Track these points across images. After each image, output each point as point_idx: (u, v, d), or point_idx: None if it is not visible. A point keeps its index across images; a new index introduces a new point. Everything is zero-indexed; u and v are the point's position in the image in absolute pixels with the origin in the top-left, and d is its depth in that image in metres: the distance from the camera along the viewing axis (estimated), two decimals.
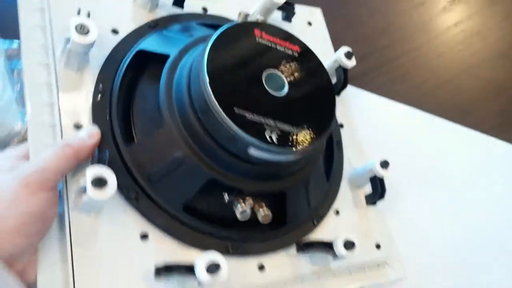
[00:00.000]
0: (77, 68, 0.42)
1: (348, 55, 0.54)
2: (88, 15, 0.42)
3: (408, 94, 0.68)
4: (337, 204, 0.51)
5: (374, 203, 0.51)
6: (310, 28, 0.62)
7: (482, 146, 0.68)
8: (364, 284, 0.51)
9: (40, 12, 0.44)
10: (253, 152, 0.37)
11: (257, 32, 0.42)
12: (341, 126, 0.56)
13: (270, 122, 0.38)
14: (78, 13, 0.41)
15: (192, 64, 0.40)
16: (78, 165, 0.38)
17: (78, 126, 0.40)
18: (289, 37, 0.44)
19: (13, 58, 0.61)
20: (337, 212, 0.50)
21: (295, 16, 0.58)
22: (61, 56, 0.42)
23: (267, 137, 0.37)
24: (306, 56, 0.44)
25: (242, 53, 0.40)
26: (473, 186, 0.65)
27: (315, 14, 0.64)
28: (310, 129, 0.39)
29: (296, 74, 0.42)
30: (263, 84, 0.39)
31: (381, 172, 0.49)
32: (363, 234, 0.51)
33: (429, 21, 0.73)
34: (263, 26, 0.43)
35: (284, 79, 0.41)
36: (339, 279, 0.49)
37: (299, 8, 0.61)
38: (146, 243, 0.39)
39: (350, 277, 0.49)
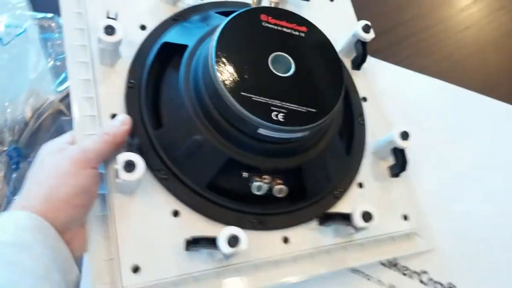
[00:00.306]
0: (110, 64, 0.47)
1: (366, 28, 0.54)
2: (116, 16, 0.46)
3: (434, 66, 0.67)
4: (360, 177, 0.52)
5: (396, 175, 0.52)
6: (332, 4, 0.62)
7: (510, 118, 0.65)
8: (393, 256, 0.52)
9: (78, 15, 0.50)
10: (262, 131, 0.40)
11: (263, 17, 0.44)
12: (364, 99, 0.57)
13: (277, 102, 0.40)
14: (107, 15, 0.46)
15: (205, 53, 0.43)
16: (115, 152, 0.43)
17: (113, 116, 0.46)
18: (296, 19, 0.45)
19: (46, 30, 0.66)
20: (361, 185, 0.52)
21: None
22: (97, 54, 0.47)
23: (273, 117, 0.39)
24: (313, 36, 0.45)
25: (248, 38, 0.43)
26: (500, 157, 0.64)
27: None
28: (316, 107, 0.41)
29: (303, 54, 0.43)
30: (269, 67, 0.42)
31: (401, 143, 0.49)
32: (388, 205, 0.52)
33: None
34: (270, 10, 0.45)
35: (291, 60, 0.43)
36: (367, 250, 0.50)
37: None
38: (177, 219, 0.43)
39: (378, 249, 0.51)
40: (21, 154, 0.60)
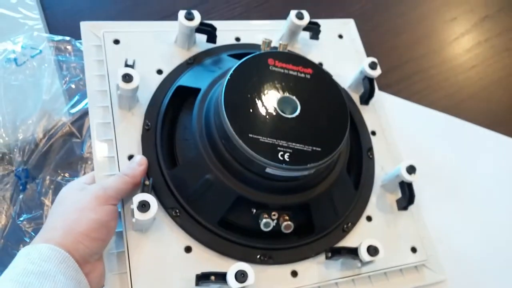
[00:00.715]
0: (129, 108, 0.51)
1: (373, 65, 0.56)
2: (134, 64, 0.50)
3: (443, 102, 0.69)
4: (369, 210, 0.53)
5: (405, 208, 0.53)
6: (341, 41, 0.65)
7: None
8: None
9: (99, 63, 0.54)
10: (270, 170, 0.42)
11: (270, 61, 0.47)
12: (373, 133, 0.58)
13: (283, 143, 0.42)
14: (125, 63, 0.50)
15: (216, 96, 0.46)
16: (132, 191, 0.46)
17: (130, 157, 0.49)
18: (302, 62, 0.48)
19: (62, 52, 0.68)
20: (369, 218, 0.53)
21: (324, 31, 0.61)
22: (116, 99, 0.51)
23: (280, 156, 0.42)
24: (319, 77, 0.48)
25: (256, 82, 0.45)
26: (505, 190, 0.64)
27: (348, 26, 0.67)
28: (321, 146, 0.43)
29: (308, 96, 0.46)
30: (276, 108, 0.44)
31: (408, 177, 0.51)
32: (396, 238, 0.53)
33: (462, 35, 0.77)
34: (276, 54, 0.47)
35: (297, 101, 0.45)
36: (375, 283, 0.51)
37: (329, 23, 0.65)
38: (190, 255, 0.46)
39: (387, 282, 0.52)
40: (29, 175, 0.61)
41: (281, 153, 0.42)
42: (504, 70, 0.74)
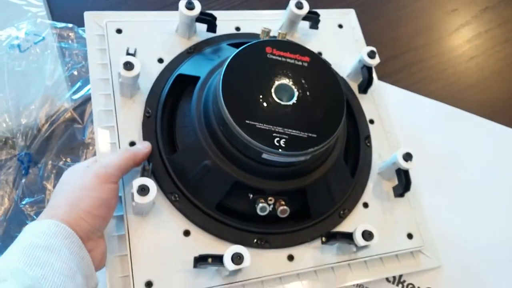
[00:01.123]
0: (130, 96, 0.52)
1: (371, 54, 0.57)
2: (135, 52, 0.51)
3: (441, 92, 0.70)
4: (366, 197, 0.54)
5: (401, 195, 0.54)
6: (341, 31, 0.65)
7: None
8: (397, 273, 0.53)
9: (101, 51, 0.55)
10: (266, 156, 0.43)
11: (268, 49, 0.47)
12: (372, 122, 0.59)
13: (279, 129, 0.43)
14: (127, 51, 0.51)
15: (214, 84, 0.47)
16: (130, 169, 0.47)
17: (132, 143, 0.50)
18: (299, 50, 0.49)
19: (65, 39, 0.68)
20: (366, 205, 0.54)
21: (324, 21, 0.62)
22: (118, 86, 0.52)
23: (275, 142, 0.43)
24: (317, 65, 0.48)
25: (254, 69, 0.46)
26: (502, 178, 0.65)
27: (348, 15, 0.67)
28: (317, 133, 0.44)
29: (305, 83, 0.47)
30: (273, 95, 0.45)
31: (404, 164, 0.51)
32: (392, 224, 0.54)
33: (462, 26, 0.77)
34: (274, 43, 0.48)
35: (294, 88, 0.46)
36: (371, 268, 0.52)
37: (329, 13, 0.65)
38: (188, 238, 0.47)
39: (382, 267, 0.53)
40: (32, 160, 0.62)
41: (277, 139, 0.43)
42: (504, 60, 0.74)
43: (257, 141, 0.42)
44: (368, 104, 0.60)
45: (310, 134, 0.44)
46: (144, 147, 0.48)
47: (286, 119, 0.44)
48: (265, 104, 0.45)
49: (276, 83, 0.46)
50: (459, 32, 0.75)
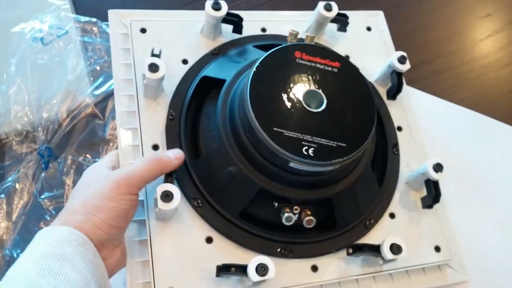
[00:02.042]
0: (154, 97, 0.51)
1: (402, 60, 0.55)
2: (160, 53, 0.50)
3: (472, 100, 0.68)
4: (393, 207, 0.53)
5: (430, 206, 0.52)
6: (369, 34, 0.64)
7: None
8: (423, 287, 0.52)
9: (125, 51, 0.54)
10: (293, 165, 0.42)
11: (297, 54, 0.46)
12: (400, 129, 0.58)
13: (307, 137, 0.42)
14: (152, 52, 0.50)
15: (241, 88, 0.46)
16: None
17: (155, 147, 0.49)
18: (330, 55, 0.47)
19: (89, 34, 0.68)
20: (393, 215, 0.52)
21: (352, 23, 0.60)
22: (141, 87, 0.51)
23: (304, 151, 0.41)
24: (346, 71, 0.47)
25: (283, 74, 0.45)
26: None
27: (376, 18, 0.65)
28: (346, 142, 0.43)
29: (335, 90, 0.45)
30: (302, 102, 0.44)
31: (434, 175, 0.50)
32: (419, 236, 0.52)
33: (496, 32, 0.74)
34: (304, 47, 0.47)
35: (323, 95, 0.45)
36: (396, 281, 0.51)
37: (357, 15, 0.63)
38: (210, 246, 0.46)
39: (408, 280, 0.51)
40: (52, 154, 0.62)
41: (306, 147, 0.42)
42: None
43: (285, 149, 0.41)
44: (396, 110, 0.59)
45: (339, 143, 0.43)
46: (175, 157, 0.44)
47: (315, 127, 0.43)
48: (293, 111, 0.43)
49: (305, 89, 0.45)
50: (493, 39, 0.72)
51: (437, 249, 0.52)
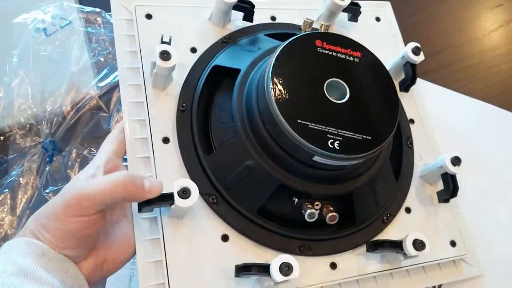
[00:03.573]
0: (163, 87, 0.45)
1: (416, 51, 0.50)
2: (170, 41, 0.44)
3: (483, 92, 0.63)
4: (408, 202, 0.48)
5: (446, 200, 0.48)
6: (378, 24, 0.58)
7: None
8: (440, 282, 0.48)
9: (130, 38, 0.48)
10: (317, 159, 0.37)
11: (318, 42, 0.41)
12: (412, 121, 0.53)
13: (332, 130, 0.37)
14: (162, 39, 0.44)
15: (259, 78, 0.40)
16: None
17: (165, 140, 0.43)
18: (351, 44, 0.42)
19: (93, 24, 0.62)
20: (409, 210, 0.48)
21: (362, 13, 0.54)
22: (150, 77, 0.45)
23: (329, 144, 0.36)
24: (368, 61, 0.42)
25: (304, 65, 0.39)
26: None
27: (384, 8, 0.60)
28: (372, 135, 0.38)
29: (357, 80, 0.40)
30: (325, 93, 0.39)
31: (452, 169, 0.45)
32: (435, 231, 0.48)
33: (507, 23, 0.68)
34: (324, 36, 0.41)
35: (346, 86, 0.40)
36: (413, 277, 0.46)
37: (366, 4, 0.58)
38: (226, 244, 0.41)
39: (424, 276, 0.47)
40: (56, 148, 0.57)
41: (331, 140, 0.37)
42: None
43: (311, 142, 0.36)
44: (408, 102, 0.54)
45: (364, 136, 0.38)
46: (149, 189, 0.35)
47: (339, 119, 0.38)
48: (316, 102, 0.38)
49: (328, 79, 0.39)
50: (504, 29, 0.67)
51: (453, 243, 0.48)
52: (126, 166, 0.43)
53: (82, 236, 0.35)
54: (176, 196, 0.36)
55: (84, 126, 0.59)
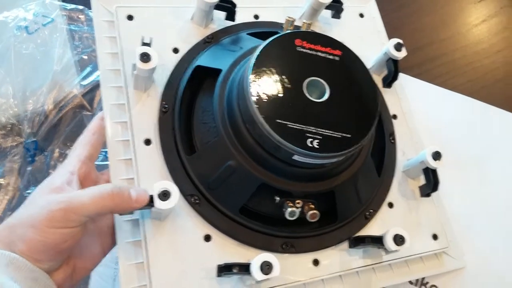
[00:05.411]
0: (144, 89, 0.45)
1: (398, 47, 0.51)
2: (150, 42, 0.44)
3: (466, 86, 0.64)
4: (391, 197, 0.49)
5: (428, 194, 0.48)
6: (362, 20, 0.59)
7: None
8: (422, 275, 0.49)
9: (111, 40, 0.48)
10: (297, 158, 0.38)
11: (298, 42, 0.41)
12: (395, 117, 0.54)
13: (311, 129, 0.38)
14: (142, 41, 0.44)
15: (240, 79, 0.41)
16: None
17: (147, 141, 0.44)
18: (331, 42, 0.42)
19: (75, 22, 0.62)
20: (391, 205, 0.49)
21: (345, 10, 0.55)
22: (131, 79, 0.45)
23: (308, 143, 0.37)
24: (348, 59, 0.42)
25: (283, 64, 0.40)
26: None
27: (368, 4, 0.61)
28: (351, 132, 0.38)
29: (337, 79, 0.41)
30: (304, 92, 0.39)
31: (433, 163, 0.46)
32: (418, 225, 0.49)
33: (490, 18, 0.70)
34: (304, 35, 0.42)
35: (325, 85, 0.40)
36: (396, 271, 0.47)
37: (349, 1, 0.58)
38: (209, 244, 0.41)
39: (407, 269, 0.48)
40: (38, 147, 0.57)
41: (310, 139, 0.37)
42: None
43: (290, 142, 0.36)
44: (391, 98, 0.54)
45: (343, 134, 0.39)
46: (136, 199, 0.35)
47: (319, 118, 0.38)
48: (296, 102, 0.39)
49: (308, 78, 0.40)
50: (487, 24, 0.68)
51: (435, 237, 0.49)
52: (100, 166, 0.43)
53: (62, 248, 0.34)
54: (156, 199, 0.36)
55: (67, 125, 0.58)
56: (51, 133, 0.57)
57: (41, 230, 0.33)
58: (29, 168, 0.55)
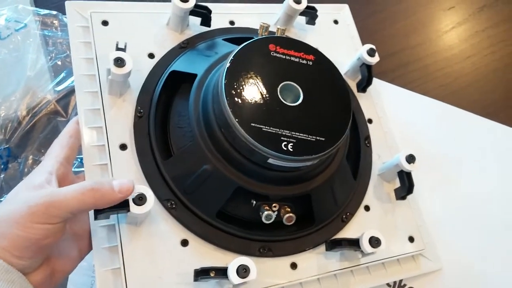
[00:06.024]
0: (119, 94, 0.46)
1: (371, 52, 0.52)
2: (125, 47, 0.45)
3: (438, 91, 0.66)
4: (367, 200, 0.50)
5: (403, 197, 0.50)
6: (336, 27, 0.61)
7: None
8: (399, 278, 0.50)
9: (86, 45, 0.48)
10: (272, 161, 0.38)
11: (271, 47, 0.42)
12: (370, 121, 0.55)
13: (286, 132, 0.39)
14: (117, 46, 0.44)
15: (214, 83, 0.41)
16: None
17: (122, 146, 0.44)
18: (304, 47, 0.44)
19: (49, 27, 0.62)
20: (367, 208, 0.50)
21: (320, 16, 0.57)
22: (106, 84, 0.45)
23: (283, 147, 0.38)
24: (321, 64, 0.44)
25: (258, 69, 0.41)
26: (501, 177, 0.62)
27: (342, 11, 0.63)
28: (325, 136, 0.40)
29: (310, 83, 0.42)
30: (278, 96, 0.40)
31: (407, 166, 0.48)
32: (394, 228, 0.50)
33: (459, 25, 0.73)
34: (278, 40, 0.43)
35: (299, 89, 0.41)
36: (373, 273, 0.48)
37: (324, 8, 0.60)
38: (186, 249, 0.42)
39: (384, 272, 0.49)
40: (11, 154, 0.56)
41: (285, 143, 0.38)
42: (500, 60, 0.71)
43: (264, 145, 0.37)
44: (366, 102, 0.56)
45: (318, 137, 0.40)
46: (120, 189, 0.35)
47: (293, 122, 0.39)
48: (270, 106, 0.39)
49: (281, 83, 0.41)
50: (456, 31, 0.71)
51: (411, 239, 0.50)
52: (75, 172, 0.43)
53: (43, 245, 0.34)
54: (131, 203, 0.37)
55: (41, 132, 0.58)
56: (24, 140, 0.57)
57: (23, 225, 0.33)
58: (2, 176, 0.55)
